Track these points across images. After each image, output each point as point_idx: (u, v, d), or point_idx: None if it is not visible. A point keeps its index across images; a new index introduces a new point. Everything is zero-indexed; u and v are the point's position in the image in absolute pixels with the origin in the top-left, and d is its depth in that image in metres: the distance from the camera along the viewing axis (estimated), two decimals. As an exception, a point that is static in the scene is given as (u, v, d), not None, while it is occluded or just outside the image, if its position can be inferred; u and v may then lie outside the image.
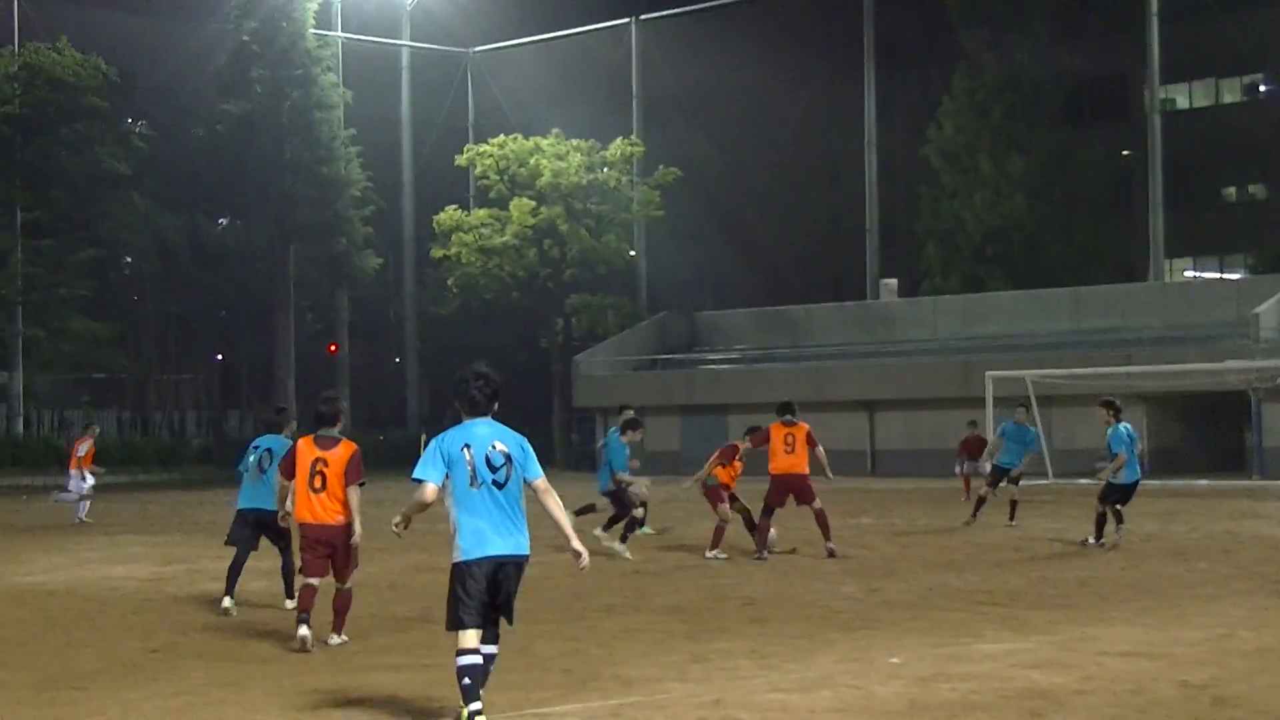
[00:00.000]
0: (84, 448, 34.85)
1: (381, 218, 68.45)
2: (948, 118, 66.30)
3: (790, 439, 23.90)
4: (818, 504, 24.11)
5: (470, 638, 11.14)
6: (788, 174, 73.82)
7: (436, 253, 67.14)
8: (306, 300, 72.06)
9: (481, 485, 11.24)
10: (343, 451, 15.34)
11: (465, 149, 68.97)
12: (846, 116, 70.03)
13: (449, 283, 67.53)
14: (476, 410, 11.46)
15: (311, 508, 15.28)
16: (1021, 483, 30.52)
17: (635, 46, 73.11)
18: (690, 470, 28.84)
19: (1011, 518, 29.35)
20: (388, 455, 65.41)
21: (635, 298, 71.30)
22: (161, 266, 70.62)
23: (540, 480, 11.43)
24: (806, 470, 24.00)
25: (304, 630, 15.10)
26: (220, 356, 79.25)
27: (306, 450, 15.40)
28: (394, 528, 11.94)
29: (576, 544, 11.52)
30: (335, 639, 15.50)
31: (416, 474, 11.35)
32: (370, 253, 66.48)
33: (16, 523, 35.63)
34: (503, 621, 11.51)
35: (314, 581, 15.29)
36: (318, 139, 63.81)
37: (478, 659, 11.12)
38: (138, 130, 65.61)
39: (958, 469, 39.17)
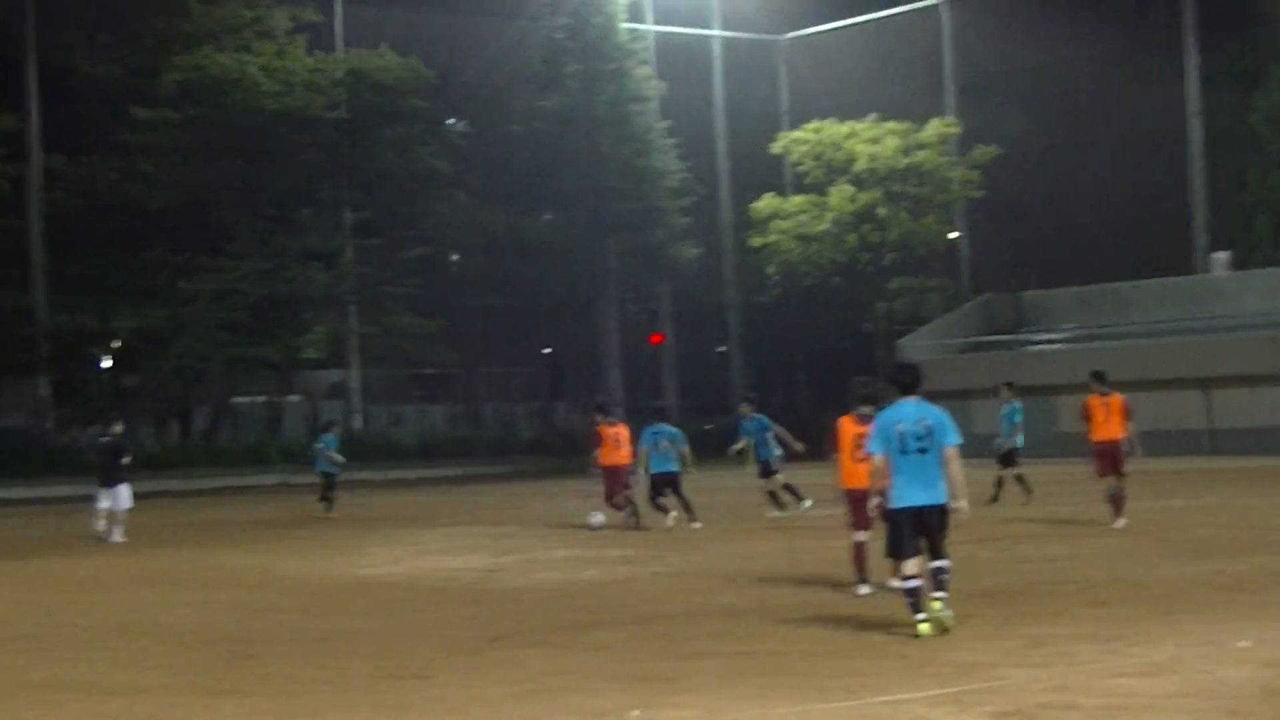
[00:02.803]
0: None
1: (699, 207, 68.65)
2: (1276, 84, 64.23)
3: (1106, 407, 25.00)
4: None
5: (908, 565, 14.61)
6: (1109, 147, 72.13)
7: (755, 241, 67.24)
8: (628, 291, 72.68)
9: (909, 452, 14.58)
10: None
11: (779, 136, 68.96)
12: (1167, 87, 68.32)
13: (769, 270, 67.56)
14: (907, 392, 14.95)
15: (856, 475, 17.31)
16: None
17: (947, 26, 72.26)
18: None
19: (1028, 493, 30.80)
20: (715, 444, 65.72)
21: (958, 279, 70.54)
22: (485, 261, 71.84)
23: (949, 449, 14.63)
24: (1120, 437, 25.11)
25: (865, 589, 17.53)
26: (547, 349, 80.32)
27: (849, 426, 17.70)
28: (872, 510, 15.61)
29: (960, 502, 14.74)
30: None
31: (869, 448, 15.01)
32: (688, 243, 66.67)
33: (359, 515, 36.50)
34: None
35: (862, 536, 17.59)
36: (633, 131, 64.27)
37: (917, 582, 14.49)
38: (458, 129, 66.77)
39: None
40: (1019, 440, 31.49)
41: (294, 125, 60.36)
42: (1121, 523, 24.55)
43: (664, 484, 28.46)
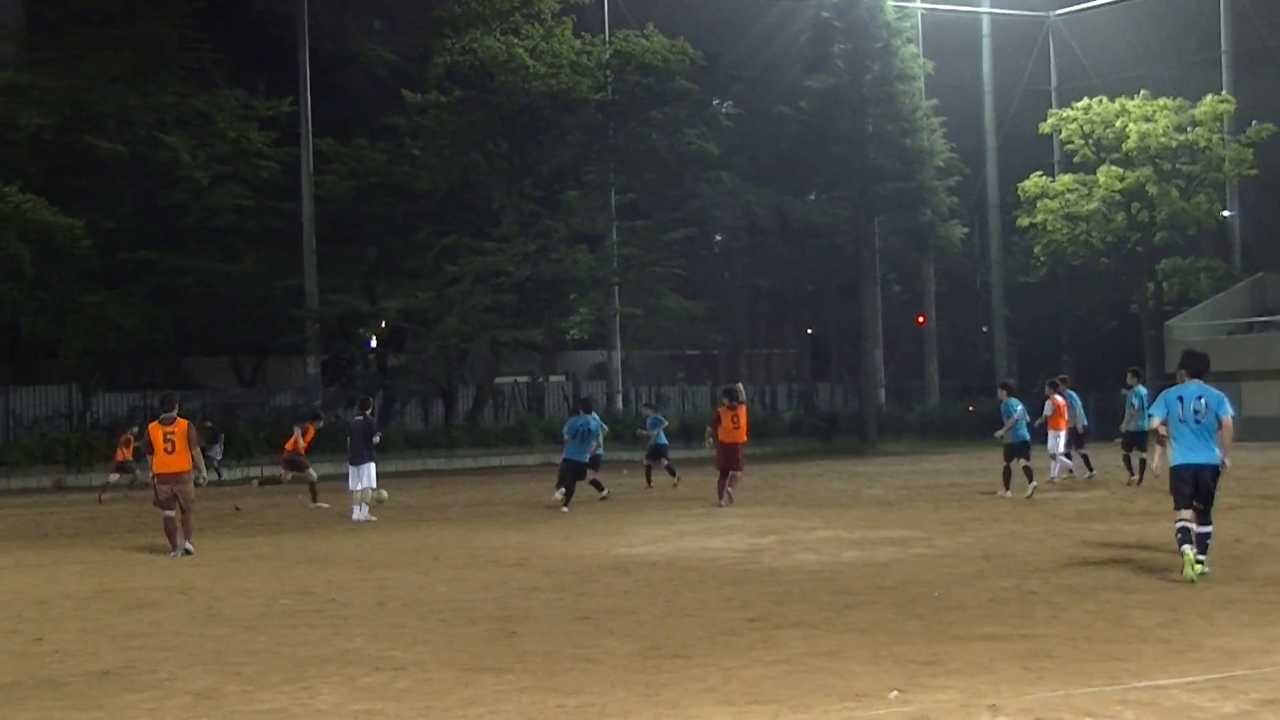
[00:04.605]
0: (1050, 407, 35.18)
1: (965, 186, 67.87)
2: None
3: None
4: None
5: (1183, 514, 17.32)
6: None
7: (1022, 220, 66.53)
8: (893, 272, 72.18)
9: (1186, 422, 17.31)
10: None
11: (1049, 114, 68.07)
12: None
13: (1035, 250, 66.79)
14: (1195, 375, 17.58)
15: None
16: None
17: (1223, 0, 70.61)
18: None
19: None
20: (977, 425, 65.11)
21: (1229, 259, 68.95)
22: (750, 242, 71.78)
23: (1225, 418, 17.31)
24: None
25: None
26: (810, 330, 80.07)
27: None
28: (1154, 465, 19.60)
29: (1226, 459, 17.46)
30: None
31: (1151, 411, 18.03)
32: (955, 223, 65.78)
33: (621, 495, 36.69)
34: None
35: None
36: (900, 111, 63.55)
37: (1187, 524, 17.26)
38: (724, 110, 66.74)
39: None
40: (1142, 423, 31.42)
41: (560, 107, 60.69)
42: None
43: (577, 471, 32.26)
